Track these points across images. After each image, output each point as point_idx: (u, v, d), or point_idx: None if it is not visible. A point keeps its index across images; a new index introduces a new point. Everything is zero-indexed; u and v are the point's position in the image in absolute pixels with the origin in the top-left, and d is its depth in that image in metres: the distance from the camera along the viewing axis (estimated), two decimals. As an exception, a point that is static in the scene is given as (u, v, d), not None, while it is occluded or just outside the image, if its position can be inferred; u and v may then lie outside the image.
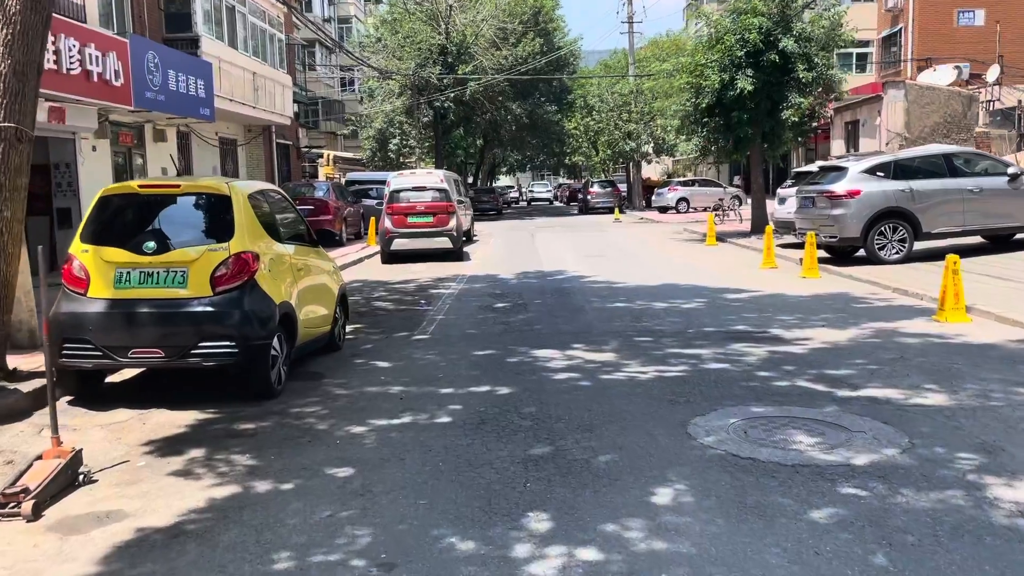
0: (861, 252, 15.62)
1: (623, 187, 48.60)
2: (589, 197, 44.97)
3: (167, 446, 5.77)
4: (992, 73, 29.41)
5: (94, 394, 7.06)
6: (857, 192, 14.68)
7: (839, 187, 14.89)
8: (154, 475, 5.21)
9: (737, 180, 46.80)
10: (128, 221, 6.84)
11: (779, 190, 19.64)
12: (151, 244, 6.55)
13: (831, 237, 15.00)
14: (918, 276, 13.12)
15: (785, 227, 19.30)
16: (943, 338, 8.78)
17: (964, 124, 25.82)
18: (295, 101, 31.70)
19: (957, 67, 31.92)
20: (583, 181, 57.19)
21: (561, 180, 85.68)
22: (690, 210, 40.04)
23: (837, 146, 29.55)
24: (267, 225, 7.25)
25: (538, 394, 6.85)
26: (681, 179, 44.25)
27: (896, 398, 6.48)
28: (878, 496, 4.53)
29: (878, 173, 14.93)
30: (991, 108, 28.90)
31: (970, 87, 29.87)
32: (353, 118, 47.03)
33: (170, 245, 6.59)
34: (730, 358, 8.07)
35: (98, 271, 6.52)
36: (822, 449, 5.33)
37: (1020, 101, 28.02)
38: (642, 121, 42.74)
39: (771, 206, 23.29)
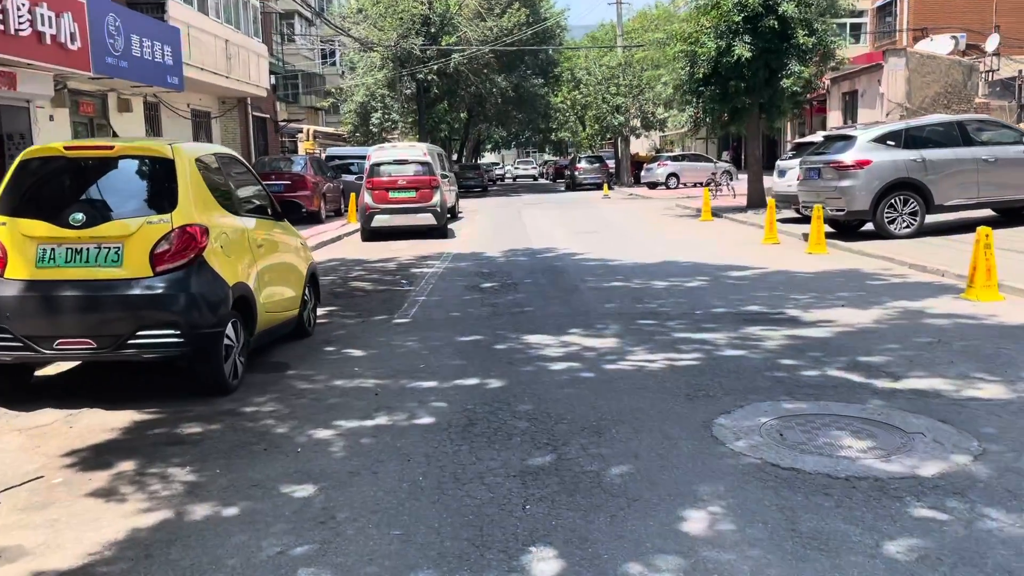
0: (868, 226, 14.80)
1: (611, 163, 47.65)
2: (576, 173, 43.95)
3: (93, 457, 4.83)
4: (992, 43, 28.56)
5: (18, 392, 6.09)
6: (867, 162, 13.80)
7: (847, 157, 14.01)
8: (70, 496, 4.27)
9: (726, 155, 45.96)
10: (53, 189, 5.84)
11: (779, 162, 18.75)
12: (79, 216, 5.56)
13: (838, 210, 14.13)
14: (932, 251, 12.29)
15: (785, 201, 18.44)
16: (977, 319, 7.93)
17: (964, 95, 24.98)
18: (272, 73, 30.49)
19: (954, 37, 31.04)
20: (570, 157, 56.17)
21: (547, 157, 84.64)
22: (680, 185, 39.15)
23: (834, 117, 28.67)
24: (220, 195, 6.28)
25: (534, 388, 5.95)
26: (671, 154, 43.32)
27: (946, 390, 5.61)
28: (962, 520, 3.66)
29: (888, 142, 14.04)
30: (991, 79, 28.07)
31: (966, 57, 29.02)
32: (334, 91, 45.72)
33: (102, 217, 5.61)
34: (747, 343, 7.20)
35: (17, 248, 5.54)
36: (878, 456, 4.45)
37: (1021, 71, 27.19)
38: (631, 95, 41.70)
39: (768, 180, 22.45)
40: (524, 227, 20.83)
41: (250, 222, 6.67)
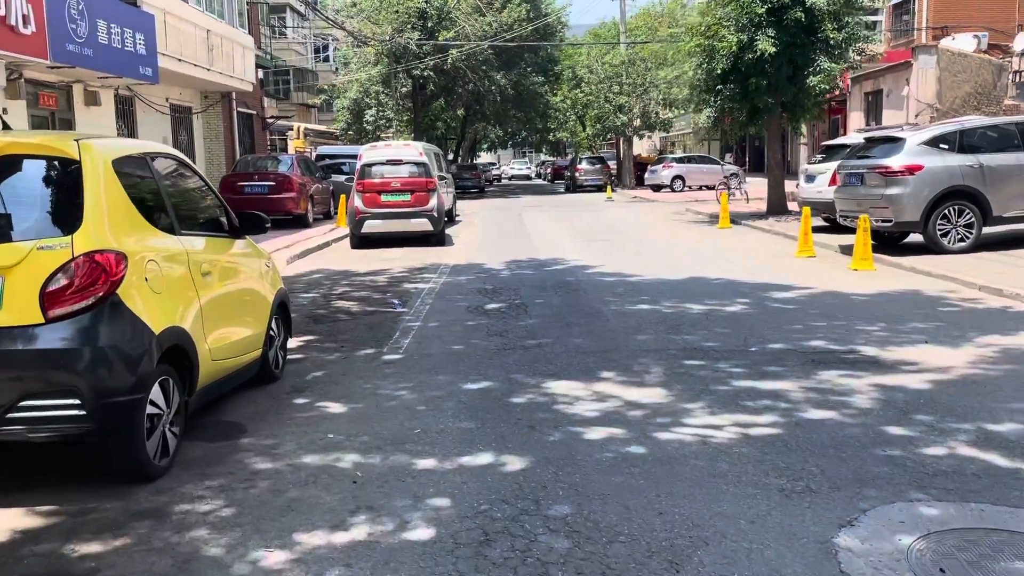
0: (912, 238, 13.32)
1: (612, 164, 46.13)
2: (577, 175, 42.41)
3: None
4: (1020, 42, 27.07)
5: None
6: (918, 167, 12.29)
7: (895, 162, 12.49)
8: None
9: (729, 157, 44.41)
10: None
11: (806, 166, 17.24)
12: (-58, 238, 4.00)
13: (884, 221, 12.61)
14: (995, 269, 10.82)
15: (813, 208, 16.94)
16: (1104, 363, 6.43)
17: (994, 95, 23.51)
18: (260, 67, 28.89)
19: (976, 36, 29.53)
20: (570, 158, 54.64)
21: (544, 157, 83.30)
22: (685, 188, 37.66)
23: (856, 119, 27.17)
24: (150, 208, 4.73)
25: (569, 474, 4.40)
26: (676, 156, 41.82)
27: None
28: None
29: (941, 145, 12.54)
30: (1019, 79, 26.59)
31: (989, 56, 27.56)
32: (326, 87, 44.08)
33: (-26, 239, 4.06)
34: (830, 398, 5.67)
35: None
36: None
37: (1051, 72, 25.70)
38: (634, 94, 40.16)
39: (788, 184, 20.95)
40: (527, 233, 19.27)
41: (195, 243, 5.10)
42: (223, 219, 5.77)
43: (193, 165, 5.54)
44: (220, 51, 22.15)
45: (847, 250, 13.84)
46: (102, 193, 4.26)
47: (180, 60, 19.60)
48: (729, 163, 40.41)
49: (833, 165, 16.15)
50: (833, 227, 16.31)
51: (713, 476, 4.34)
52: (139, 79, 17.13)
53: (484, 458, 4.65)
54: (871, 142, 13.75)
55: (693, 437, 4.93)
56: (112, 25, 15.50)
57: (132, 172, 4.67)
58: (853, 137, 16.88)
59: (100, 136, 4.90)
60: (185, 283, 4.76)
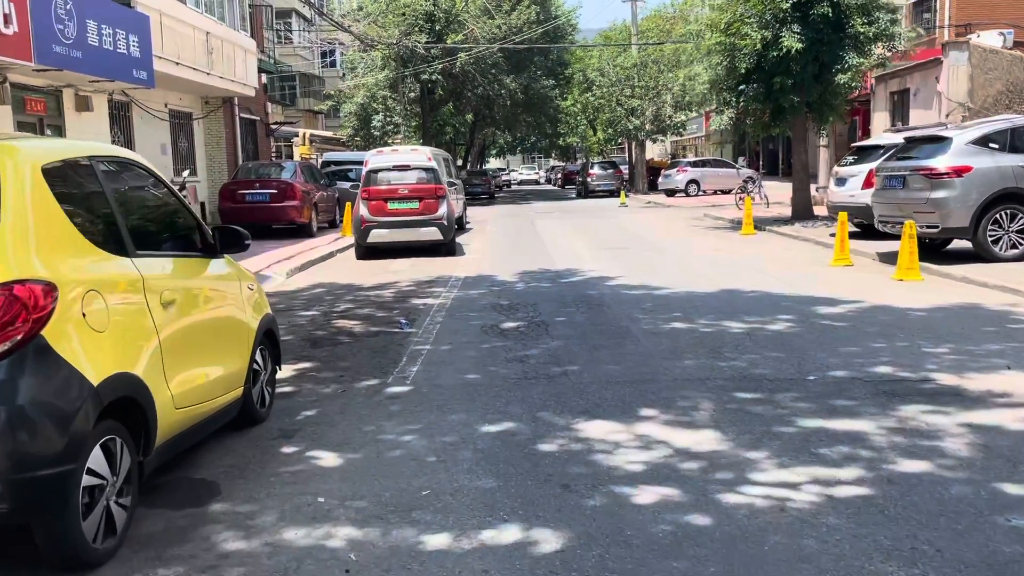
0: (955, 244, 12.39)
1: (624, 168, 45.22)
2: (589, 179, 41.47)
3: None
4: (1050, 38, 26.05)
5: None
6: (966, 169, 11.35)
7: (941, 162, 11.55)
8: None
9: (742, 160, 43.40)
10: None
11: (837, 168, 16.29)
12: None
13: (930, 227, 11.66)
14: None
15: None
16: None
17: (1026, 94, 22.51)
18: (264, 72, 28.10)
19: (1001, 33, 28.53)
20: (581, 162, 53.77)
21: (553, 162, 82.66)
22: (700, 193, 36.72)
23: (880, 119, 26.17)
24: (94, 225, 3.84)
25: (619, 558, 3.48)
26: (691, 159, 40.87)
27: None
28: None
29: (990, 144, 11.60)
30: (1048, 77, 25.58)
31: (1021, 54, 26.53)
32: (333, 93, 43.31)
33: None
34: (918, 443, 4.74)
35: None
36: None
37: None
38: (647, 96, 39.24)
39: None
40: (541, 241, 18.37)
41: (155, 266, 4.20)
42: (195, 236, 4.88)
43: (155, 171, 4.64)
44: (220, 54, 21.34)
45: (886, 258, 12.91)
46: (27, 207, 3.37)
47: (178, 64, 18.80)
48: (743, 167, 39.42)
49: (865, 167, 15.24)
50: (866, 233, 15.33)
51: (801, 560, 3.41)
52: (134, 83, 16.32)
53: (510, 533, 3.73)
54: (912, 142, 12.80)
55: (766, 501, 4.00)
56: (103, 26, 14.69)
57: (70, 180, 3.78)
58: (886, 137, 15.93)
59: (29, 136, 4.03)
60: (139, 317, 3.87)
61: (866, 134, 34.28)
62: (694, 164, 38.22)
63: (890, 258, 12.81)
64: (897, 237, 13.07)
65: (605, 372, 6.60)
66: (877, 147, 15.51)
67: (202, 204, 17.30)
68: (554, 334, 8.18)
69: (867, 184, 15.04)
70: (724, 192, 37.05)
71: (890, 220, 12.48)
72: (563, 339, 7.92)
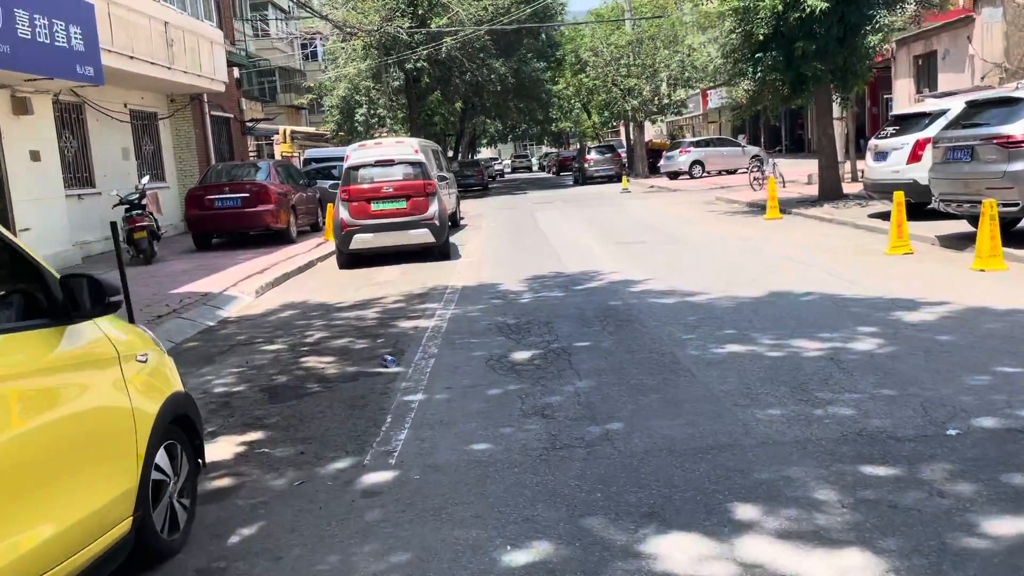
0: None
1: (621, 152, 43.38)
2: (587, 165, 39.63)
3: None
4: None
5: None
6: (1052, 135, 9.56)
7: (1019, 129, 9.76)
8: None
9: (742, 138, 41.54)
10: None
11: (875, 141, 14.48)
12: None
13: (1008, 205, 9.85)
14: None
15: (883, 191, 14.24)
16: None
17: (1061, 51, 20.65)
18: (235, 65, 26.19)
19: (1023, -11, 26.73)
20: (577, 148, 51.87)
21: (546, 149, 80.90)
22: (704, 174, 34.93)
23: (902, 86, 24.31)
24: None
25: None
26: (694, 139, 39.01)
27: None
28: None
29: (1077, 105, 9.82)
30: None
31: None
32: (313, 86, 41.32)
33: None
34: None
35: None
36: None
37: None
38: (643, 75, 37.34)
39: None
40: (545, 236, 16.56)
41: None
42: (39, 293, 3.08)
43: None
44: (183, 46, 19.46)
45: (948, 243, 11.18)
46: None
47: (132, 58, 16.95)
48: (742, 143, 37.54)
49: (910, 138, 13.46)
50: (911, 213, 13.56)
51: None
52: (78, 80, 14.45)
53: None
54: (977, 106, 10.99)
55: None
56: (38, 17, 12.81)
57: None
58: (931, 103, 14.11)
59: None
60: None
61: (875, 104, 32.43)
62: (697, 144, 36.37)
63: (953, 243, 11.08)
64: (959, 218, 11.38)
65: (662, 434, 4.81)
66: (922, 115, 13.70)
67: (154, 221, 15.46)
68: (580, 368, 6.39)
69: (913, 158, 13.28)
70: (729, 172, 35.26)
71: (954, 199, 10.72)
72: (593, 376, 6.13)
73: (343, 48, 35.55)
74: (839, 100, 18.39)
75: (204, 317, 9.73)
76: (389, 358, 7.04)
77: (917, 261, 10.31)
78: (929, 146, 12.75)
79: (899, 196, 11.04)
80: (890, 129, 14.21)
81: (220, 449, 5.10)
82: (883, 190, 14.15)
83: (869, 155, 14.57)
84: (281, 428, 5.49)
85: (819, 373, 5.76)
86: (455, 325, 8.39)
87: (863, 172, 16.00)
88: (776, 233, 14.37)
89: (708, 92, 48.43)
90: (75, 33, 14.03)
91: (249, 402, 6.14)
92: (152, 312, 9.69)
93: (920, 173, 12.97)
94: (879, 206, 15.48)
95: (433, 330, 8.20)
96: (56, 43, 13.46)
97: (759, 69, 16.81)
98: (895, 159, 13.61)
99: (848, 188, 18.88)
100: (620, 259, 12.33)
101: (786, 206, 17.43)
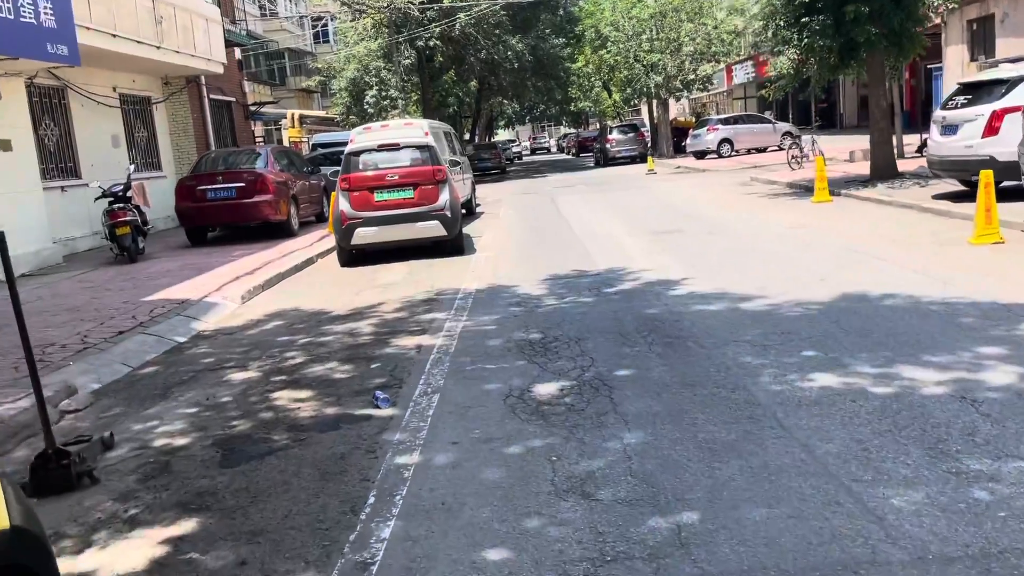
0: None
1: (645, 132, 41.66)
2: (608, 146, 37.99)
3: None
4: None
5: None
6: None
7: None
8: None
9: (769, 114, 39.61)
10: None
11: (942, 112, 12.80)
12: None
13: None
14: None
15: (951, 169, 12.64)
16: None
17: None
18: (236, 45, 24.72)
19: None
20: (598, 127, 50.11)
21: (565, 130, 79.16)
22: (733, 153, 33.20)
23: (954, 53, 22.47)
24: None
25: None
26: (722, 116, 37.21)
27: None
28: None
29: None
30: None
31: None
32: (321, 67, 39.84)
33: None
34: None
35: None
36: None
37: None
38: (667, 50, 35.52)
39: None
40: (569, 227, 15.04)
41: None
42: None
43: None
44: (173, 24, 18.04)
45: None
46: None
47: (115, 36, 15.55)
48: (772, 121, 35.71)
49: (985, 109, 11.79)
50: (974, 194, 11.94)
51: None
52: (50, 60, 13.10)
53: None
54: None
55: None
56: (-1, -11, 11.44)
57: None
58: (1006, 69, 12.40)
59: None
60: None
61: (912, 75, 30.48)
62: (725, 121, 34.61)
63: (1052, 229, 9.45)
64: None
65: (759, 534, 3.32)
66: (998, 82, 12.02)
67: (140, 215, 14.09)
68: (626, 411, 4.90)
69: (989, 131, 11.62)
70: (759, 151, 33.52)
71: (1055, 177, 9.10)
72: (645, 424, 4.64)
73: (353, 27, 34.01)
74: (892, 67, 16.66)
75: (175, 332, 8.31)
76: (380, 396, 5.57)
77: (1013, 252, 8.72)
78: (1011, 116, 11.14)
79: (987, 175, 9.41)
80: (960, 99, 12.52)
81: (132, 551, 3.67)
82: (953, 168, 12.54)
83: (934, 128, 12.91)
84: (226, 512, 4.04)
85: (956, 423, 4.24)
86: (466, 343, 6.91)
87: (923, 148, 14.33)
88: (830, 219, 12.76)
89: (732, 67, 46.51)
90: (45, 8, 12.64)
91: (194, 464, 4.70)
92: (114, 327, 8.29)
93: (999, 148, 11.37)
94: (942, 186, 13.83)
95: (439, 351, 6.73)
96: (22, 18, 12.09)
97: (805, 35, 15.12)
98: (967, 132, 11.95)
99: (900, 166, 17.19)
100: (654, 253, 10.80)
101: (834, 187, 15.79)
